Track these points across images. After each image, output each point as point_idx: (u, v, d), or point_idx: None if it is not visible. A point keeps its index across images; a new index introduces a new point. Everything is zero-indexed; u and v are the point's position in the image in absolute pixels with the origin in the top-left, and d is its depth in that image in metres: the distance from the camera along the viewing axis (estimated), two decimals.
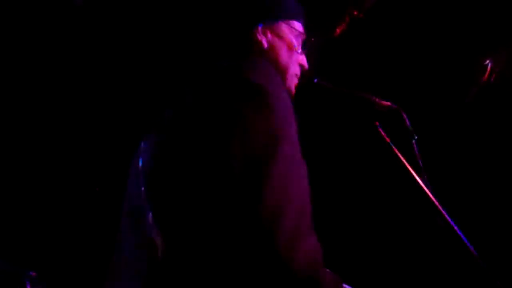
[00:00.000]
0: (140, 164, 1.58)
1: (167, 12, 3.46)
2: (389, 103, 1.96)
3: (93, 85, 3.64)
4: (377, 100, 1.95)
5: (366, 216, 3.88)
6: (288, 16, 1.72)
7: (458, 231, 1.80)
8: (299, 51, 1.72)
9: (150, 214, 1.49)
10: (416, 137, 1.93)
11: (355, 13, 3.64)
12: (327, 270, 1.44)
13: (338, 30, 3.64)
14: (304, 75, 1.80)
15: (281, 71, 1.67)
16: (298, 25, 1.73)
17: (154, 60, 3.54)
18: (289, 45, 1.70)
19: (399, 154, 1.88)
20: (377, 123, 1.93)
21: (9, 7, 3.39)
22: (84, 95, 3.66)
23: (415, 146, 1.92)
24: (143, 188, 1.53)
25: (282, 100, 1.45)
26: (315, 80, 1.95)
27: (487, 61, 3.74)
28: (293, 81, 1.75)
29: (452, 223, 1.81)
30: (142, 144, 1.62)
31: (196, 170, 1.41)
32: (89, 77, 3.61)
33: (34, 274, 3.55)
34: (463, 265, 1.77)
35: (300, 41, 1.72)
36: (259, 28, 1.67)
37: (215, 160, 1.38)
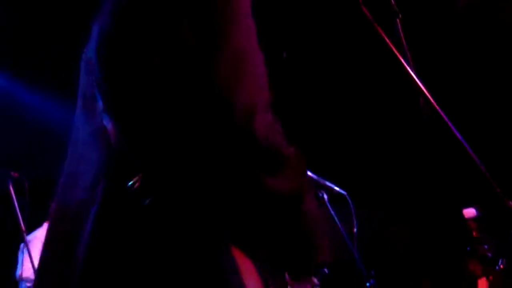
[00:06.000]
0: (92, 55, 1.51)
1: None
2: None
3: None
4: None
5: (348, 98, 3.86)
6: None
7: (439, 110, 1.77)
8: None
9: (101, 101, 1.44)
10: (400, 16, 1.87)
11: None
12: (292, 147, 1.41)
13: None
14: None
15: None
16: None
17: None
18: None
19: (382, 33, 1.82)
20: (360, 0, 1.86)
21: None
22: None
23: (399, 24, 1.87)
24: (94, 75, 1.48)
25: None
26: None
27: None
28: None
29: (434, 103, 1.77)
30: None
31: (147, 47, 1.35)
32: None
33: (16, 174, 3.54)
34: (445, 144, 1.74)
35: None
36: None
37: (165, 33, 1.33)
